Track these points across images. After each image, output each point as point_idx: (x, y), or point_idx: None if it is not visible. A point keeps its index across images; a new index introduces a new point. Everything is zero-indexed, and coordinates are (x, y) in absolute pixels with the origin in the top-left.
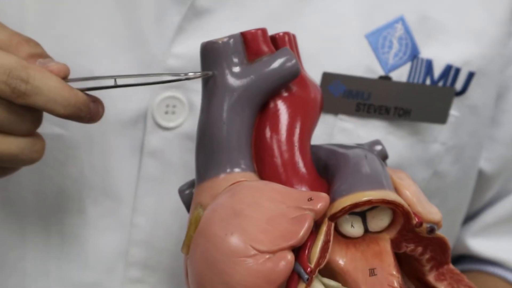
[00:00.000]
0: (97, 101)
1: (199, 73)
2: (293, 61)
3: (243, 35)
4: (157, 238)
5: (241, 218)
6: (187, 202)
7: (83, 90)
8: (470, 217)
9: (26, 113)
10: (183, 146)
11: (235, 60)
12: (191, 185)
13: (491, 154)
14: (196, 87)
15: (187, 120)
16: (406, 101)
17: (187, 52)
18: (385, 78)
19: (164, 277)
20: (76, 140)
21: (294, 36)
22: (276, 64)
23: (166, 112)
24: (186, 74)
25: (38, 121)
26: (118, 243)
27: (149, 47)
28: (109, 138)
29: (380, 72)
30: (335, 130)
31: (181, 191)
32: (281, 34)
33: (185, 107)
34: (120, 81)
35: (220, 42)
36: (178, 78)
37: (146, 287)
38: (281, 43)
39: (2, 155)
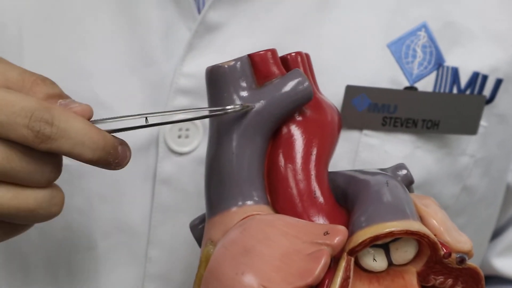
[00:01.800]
0: (124, 144)
1: (239, 106)
2: (306, 83)
3: (251, 57)
4: (173, 271)
5: (252, 255)
6: (199, 237)
7: (110, 132)
8: (494, 235)
9: (46, 161)
10: (198, 172)
11: (243, 84)
12: (203, 219)
13: None
14: None
15: (202, 143)
16: (434, 112)
17: (199, 71)
18: (411, 89)
19: None
20: (84, 170)
21: (307, 56)
22: (288, 87)
23: (179, 136)
24: (224, 109)
25: (58, 170)
26: (133, 279)
27: (158, 66)
28: None
29: (405, 83)
30: (360, 147)
31: (193, 226)
32: (293, 54)
33: (199, 130)
34: (151, 120)
35: (226, 66)
36: (216, 114)
37: None
38: (293, 64)
39: (18, 211)
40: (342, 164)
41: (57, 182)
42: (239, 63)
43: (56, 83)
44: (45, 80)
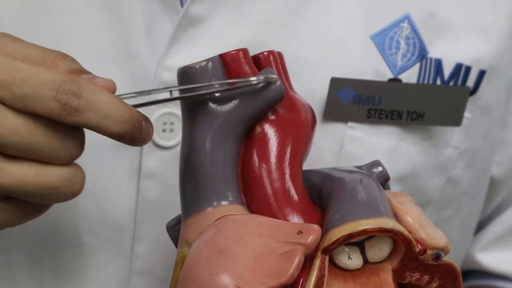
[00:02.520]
0: (147, 120)
1: (262, 78)
2: (278, 82)
3: (222, 57)
4: (160, 266)
5: (226, 256)
6: (176, 238)
7: (135, 106)
8: (478, 228)
9: (70, 137)
10: None
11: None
12: (180, 220)
13: (500, 157)
14: None
15: None
16: (418, 104)
17: (182, 64)
18: (395, 81)
19: None
20: None
21: (280, 55)
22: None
23: (164, 130)
24: (247, 80)
25: (81, 146)
26: (119, 274)
27: (141, 60)
28: (104, 162)
29: (389, 74)
30: (345, 139)
31: (169, 227)
32: (265, 53)
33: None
34: (175, 93)
35: (197, 66)
36: (247, 83)
37: None
38: (266, 63)
39: (41, 189)
40: (327, 157)
41: None
42: (210, 63)
43: (76, 60)
44: (66, 56)
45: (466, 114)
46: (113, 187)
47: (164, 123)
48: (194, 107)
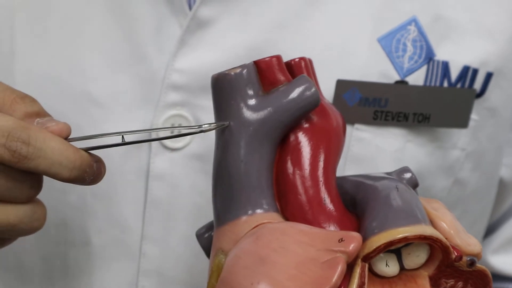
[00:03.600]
0: (99, 161)
1: (214, 124)
2: (313, 89)
3: (257, 64)
4: (167, 267)
5: (267, 265)
6: (206, 246)
7: (86, 149)
8: (488, 231)
9: (25, 178)
10: (191, 167)
11: (250, 92)
12: (210, 227)
13: (510, 159)
14: (202, 104)
15: (195, 139)
16: (424, 106)
17: (191, 67)
18: (402, 83)
19: None
20: None
21: (310, 61)
22: (295, 93)
23: (172, 132)
24: (200, 126)
25: (38, 186)
26: (127, 274)
27: (150, 63)
28: (112, 162)
29: (396, 77)
30: (351, 141)
31: (199, 235)
32: (296, 60)
33: (191, 125)
34: (127, 138)
35: (232, 73)
36: (192, 131)
37: None
38: (297, 69)
39: None
40: None
41: (49, 179)
42: (245, 70)
43: (36, 100)
44: (24, 98)
45: (473, 116)
46: (121, 188)
47: (172, 125)
48: (228, 114)
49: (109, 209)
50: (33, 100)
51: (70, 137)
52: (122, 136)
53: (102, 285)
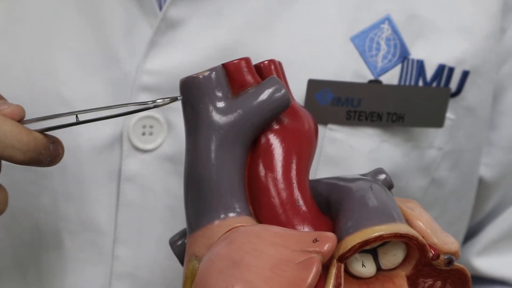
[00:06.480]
0: (56, 142)
1: (168, 99)
2: (283, 91)
3: (225, 66)
4: (141, 269)
5: (241, 268)
6: (180, 254)
7: (41, 131)
8: (472, 233)
9: None
10: (163, 169)
11: (219, 94)
12: (183, 235)
13: (490, 159)
14: (174, 105)
15: (166, 140)
16: (398, 105)
17: (161, 68)
18: (375, 82)
19: None
20: (48, 170)
21: (280, 64)
22: (265, 95)
23: (143, 133)
24: (154, 101)
25: None
26: (100, 277)
27: (121, 64)
28: (84, 165)
29: (369, 76)
30: (325, 141)
31: (172, 243)
32: (266, 62)
33: (163, 127)
34: (82, 116)
35: (201, 76)
36: (146, 107)
37: None
38: (267, 72)
39: None
40: None
41: (22, 182)
42: (214, 73)
43: None
44: None
45: (450, 115)
46: (93, 190)
47: (144, 126)
48: (197, 117)
49: (81, 212)
50: None
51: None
52: (76, 116)
53: None
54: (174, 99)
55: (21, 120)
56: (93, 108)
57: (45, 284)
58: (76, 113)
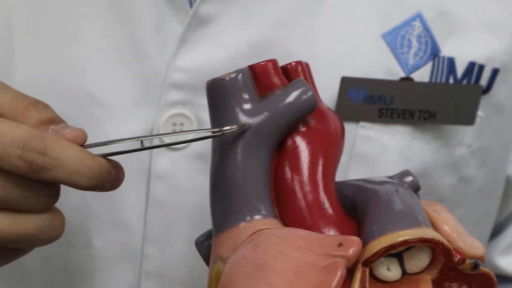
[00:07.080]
0: (118, 167)
1: (236, 127)
2: (309, 93)
3: (252, 68)
4: (169, 268)
5: (266, 271)
6: (206, 254)
7: (104, 156)
8: (495, 232)
9: (42, 188)
10: (193, 167)
11: (245, 96)
12: (209, 235)
13: None
14: (204, 102)
15: None
16: (430, 103)
17: (192, 65)
18: (407, 80)
19: None
20: None
21: (307, 65)
22: (291, 97)
23: (174, 131)
24: (221, 130)
25: (56, 194)
26: (129, 276)
27: (151, 61)
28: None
29: (401, 73)
30: (357, 139)
31: (198, 243)
32: (293, 64)
33: (193, 124)
34: (146, 142)
35: (227, 78)
36: (213, 135)
37: None
38: (294, 73)
39: (17, 237)
40: None
41: None
42: (240, 75)
43: (49, 106)
44: (37, 104)
45: (479, 112)
46: (122, 188)
47: (174, 124)
48: (224, 120)
49: (110, 210)
50: (46, 106)
51: (86, 143)
52: (141, 141)
53: (104, 287)
54: (242, 126)
55: (83, 145)
56: (155, 134)
57: (72, 283)
58: (141, 138)
